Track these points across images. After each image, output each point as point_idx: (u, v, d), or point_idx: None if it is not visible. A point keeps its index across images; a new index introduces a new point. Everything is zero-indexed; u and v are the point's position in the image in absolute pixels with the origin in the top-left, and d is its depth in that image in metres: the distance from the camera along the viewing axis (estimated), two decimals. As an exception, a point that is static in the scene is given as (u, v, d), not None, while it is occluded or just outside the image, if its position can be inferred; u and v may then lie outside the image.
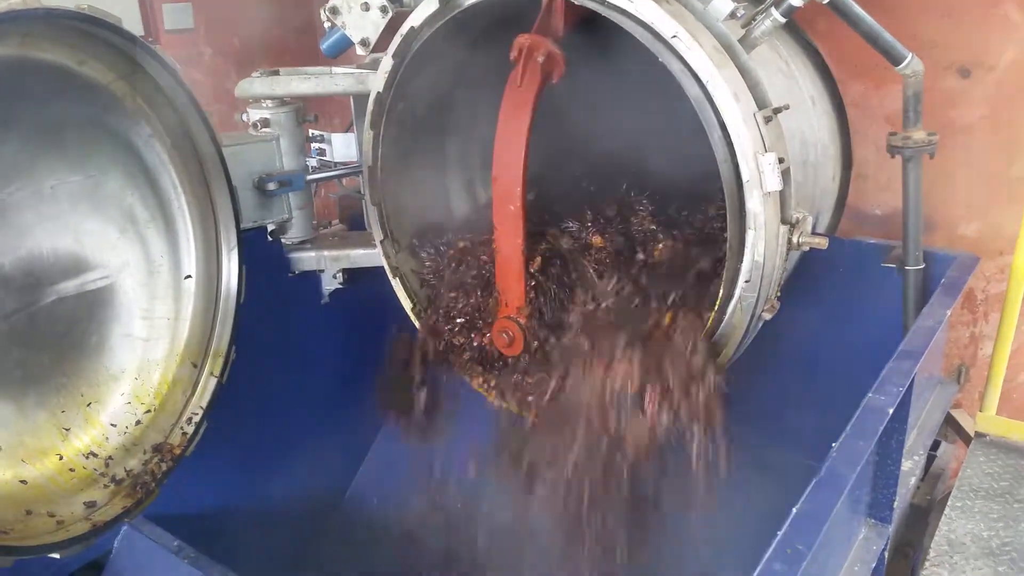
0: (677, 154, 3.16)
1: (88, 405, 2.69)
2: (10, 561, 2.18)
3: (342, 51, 3.37)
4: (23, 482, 2.43)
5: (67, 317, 2.61)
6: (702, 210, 3.21)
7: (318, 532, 4.15)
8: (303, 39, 5.45)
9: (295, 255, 3.53)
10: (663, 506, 3.10)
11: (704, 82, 2.23)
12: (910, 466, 2.89)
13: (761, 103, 2.29)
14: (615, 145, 3.43)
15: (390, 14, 3.10)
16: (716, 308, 2.49)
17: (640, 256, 3.04)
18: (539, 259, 2.93)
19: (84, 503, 2.55)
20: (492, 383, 3.09)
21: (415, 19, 2.74)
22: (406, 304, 3.29)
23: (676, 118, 3.08)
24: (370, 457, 4.35)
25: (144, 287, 2.83)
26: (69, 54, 2.37)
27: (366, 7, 3.15)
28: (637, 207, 3.20)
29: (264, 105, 3.30)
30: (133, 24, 4.72)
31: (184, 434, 2.86)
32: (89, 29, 2.30)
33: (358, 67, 3.34)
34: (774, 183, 2.22)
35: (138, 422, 2.78)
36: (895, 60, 2.86)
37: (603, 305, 2.82)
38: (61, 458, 2.57)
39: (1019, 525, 2.75)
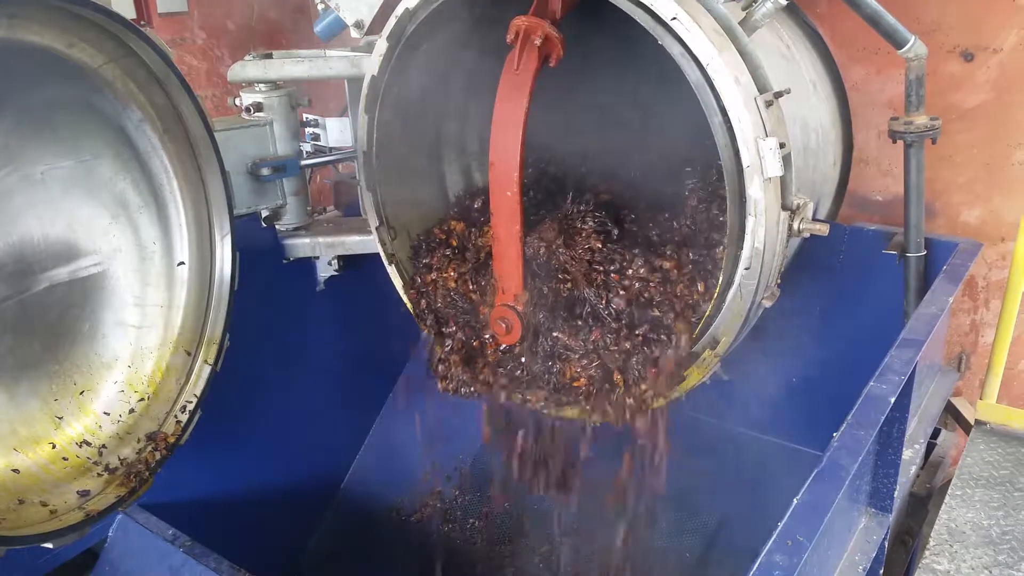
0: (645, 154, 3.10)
1: (81, 393, 2.66)
2: (2, 551, 2.17)
3: (336, 33, 3.33)
4: (15, 471, 2.41)
5: (59, 304, 2.58)
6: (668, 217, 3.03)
7: (314, 520, 4.14)
8: (297, 22, 5.40)
9: (289, 241, 3.50)
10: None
11: (704, 65, 2.19)
12: (910, 455, 2.87)
13: (762, 87, 2.25)
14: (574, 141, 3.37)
15: (385, -5, 3.06)
16: (715, 295, 2.46)
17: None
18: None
19: (77, 492, 2.52)
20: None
21: (410, 0, 2.70)
22: (402, 292, 3.26)
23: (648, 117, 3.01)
24: (367, 445, 4.34)
25: (137, 274, 2.80)
26: (58, 37, 2.32)
27: (360, -11, 3.11)
28: (581, 224, 2.89)
29: (257, 89, 3.26)
30: (125, 7, 4.67)
31: (178, 422, 2.84)
32: (78, 11, 2.26)
33: (352, 50, 3.29)
34: (775, 169, 2.19)
35: (131, 410, 2.76)
36: (897, 44, 2.83)
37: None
38: (54, 447, 2.55)
39: (1019, 514, 2.74)
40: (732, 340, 2.53)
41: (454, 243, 3.13)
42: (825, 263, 3.29)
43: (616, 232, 2.90)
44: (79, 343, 2.67)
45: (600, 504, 3.25)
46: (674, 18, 2.19)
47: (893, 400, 2.06)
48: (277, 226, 3.47)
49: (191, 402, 2.87)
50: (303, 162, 3.42)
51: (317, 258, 3.57)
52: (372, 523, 4.16)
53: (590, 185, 3.19)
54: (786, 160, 2.25)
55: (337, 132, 3.48)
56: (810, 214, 2.40)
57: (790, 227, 2.36)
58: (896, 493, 2.46)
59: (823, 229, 2.38)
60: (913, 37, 2.82)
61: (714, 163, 3.10)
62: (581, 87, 3.27)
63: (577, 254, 2.81)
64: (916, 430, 2.98)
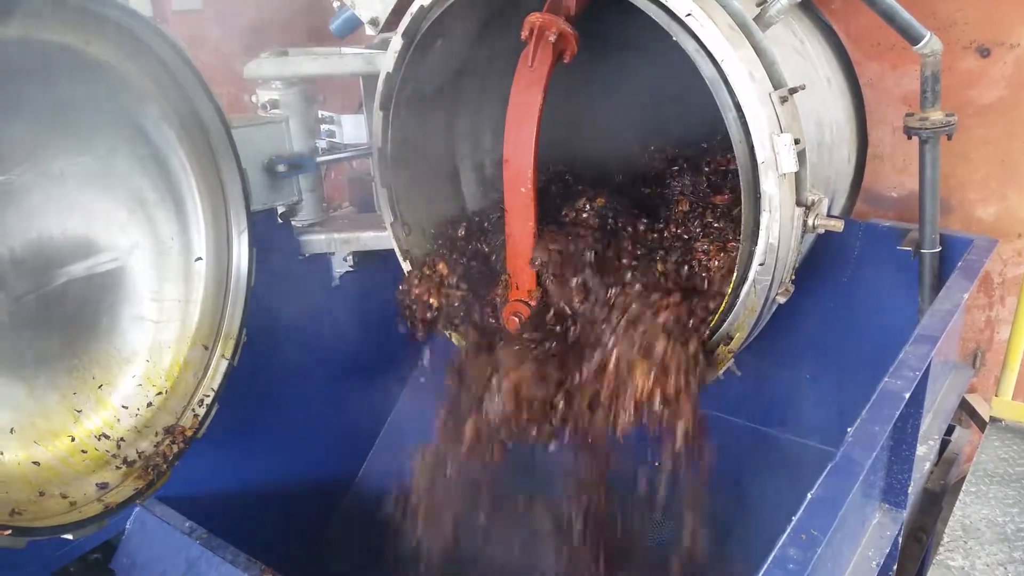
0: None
1: (100, 387, 2.69)
2: (23, 542, 2.20)
3: (351, 31, 3.34)
4: (36, 463, 2.44)
5: (77, 299, 2.61)
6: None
7: (330, 514, 4.17)
8: (312, 19, 5.41)
9: (305, 238, 3.52)
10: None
11: (719, 62, 2.19)
12: (925, 451, 2.86)
13: (777, 83, 2.25)
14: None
15: (400, -7, 3.06)
16: (730, 291, 2.46)
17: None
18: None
19: (96, 484, 2.56)
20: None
21: (425, -2, 2.71)
22: (417, 287, 3.27)
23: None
24: (382, 438, 4.36)
25: (154, 269, 2.83)
26: (76, 34, 2.34)
27: (375, -14, 3.11)
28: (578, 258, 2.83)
29: (273, 86, 3.28)
30: (141, 4, 4.70)
31: (196, 416, 2.87)
32: (95, 9, 2.29)
33: (368, 47, 3.31)
34: (790, 164, 2.19)
35: (150, 404, 2.79)
36: (913, 39, 2.81)
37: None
38: (73, 440, 2.58)
39: (1034, 510, 2.73)
40: (746, 336, 2.53)
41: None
42: (840, 259, 3.28)
43: (626, 271, 2.80)
44: (97, 338, 2.69)
45: (616, 499, 3.25)
46: (688, 14, 2.19)
47: (908, 396, 2.05)
48: (293, 222, 3.49)
49: (208, 396, 2.90)
50: (319, 159, 3.44)
51: (332, 254, 3.59)
52: (386, 518, 4.18)
53: (580, 190, 3.18)
54: (801, 156, 2.25)
55: (352, 129, 3.49)
56: (825, 210, 2.39)
57: (805, 223, 2.35)
58: (910, 489, 2.46)
59: (838, 225, 2.38)
60: (929, 33, 2.80)
61: (703, 165, 3.10)
62: (577, 85, 3.26)
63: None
64: (931, 426, 2.97)
